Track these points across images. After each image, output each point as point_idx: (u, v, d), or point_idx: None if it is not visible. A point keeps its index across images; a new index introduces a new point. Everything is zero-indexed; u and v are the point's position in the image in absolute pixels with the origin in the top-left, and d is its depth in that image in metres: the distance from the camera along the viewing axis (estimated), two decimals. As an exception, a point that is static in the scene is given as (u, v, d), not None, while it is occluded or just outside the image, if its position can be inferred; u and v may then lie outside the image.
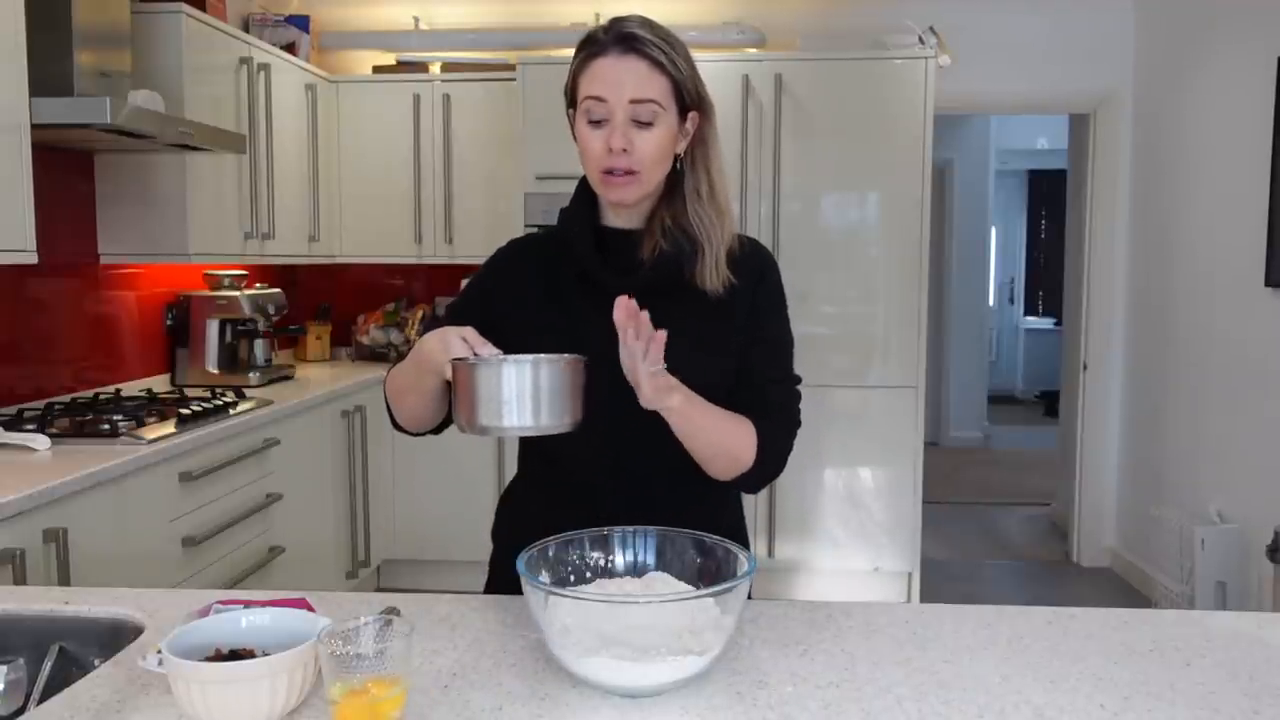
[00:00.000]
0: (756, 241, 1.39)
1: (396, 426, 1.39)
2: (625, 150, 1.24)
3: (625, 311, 1.10)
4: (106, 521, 2.14)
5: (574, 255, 1.32)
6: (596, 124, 1.25)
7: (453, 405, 1.16)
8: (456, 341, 1.16)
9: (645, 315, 1.10)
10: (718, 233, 1.30)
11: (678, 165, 1.31)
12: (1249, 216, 3.26)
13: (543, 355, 1.14)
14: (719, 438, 1.26)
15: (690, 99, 1.28)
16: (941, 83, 3.61)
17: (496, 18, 4.27)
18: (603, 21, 1.29)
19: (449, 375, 1.16)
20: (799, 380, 1.37)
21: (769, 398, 1.32)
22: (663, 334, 1.11)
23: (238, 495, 2.71)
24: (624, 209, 1.32)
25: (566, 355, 1.15)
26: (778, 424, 1.31)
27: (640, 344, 1.10)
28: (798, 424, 1.35)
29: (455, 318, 1.38)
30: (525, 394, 1.10)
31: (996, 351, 9.01)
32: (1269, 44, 3.16)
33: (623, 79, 1.23)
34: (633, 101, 1.23)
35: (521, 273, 1.38)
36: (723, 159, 1.34)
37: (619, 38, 1.24)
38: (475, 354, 1.14)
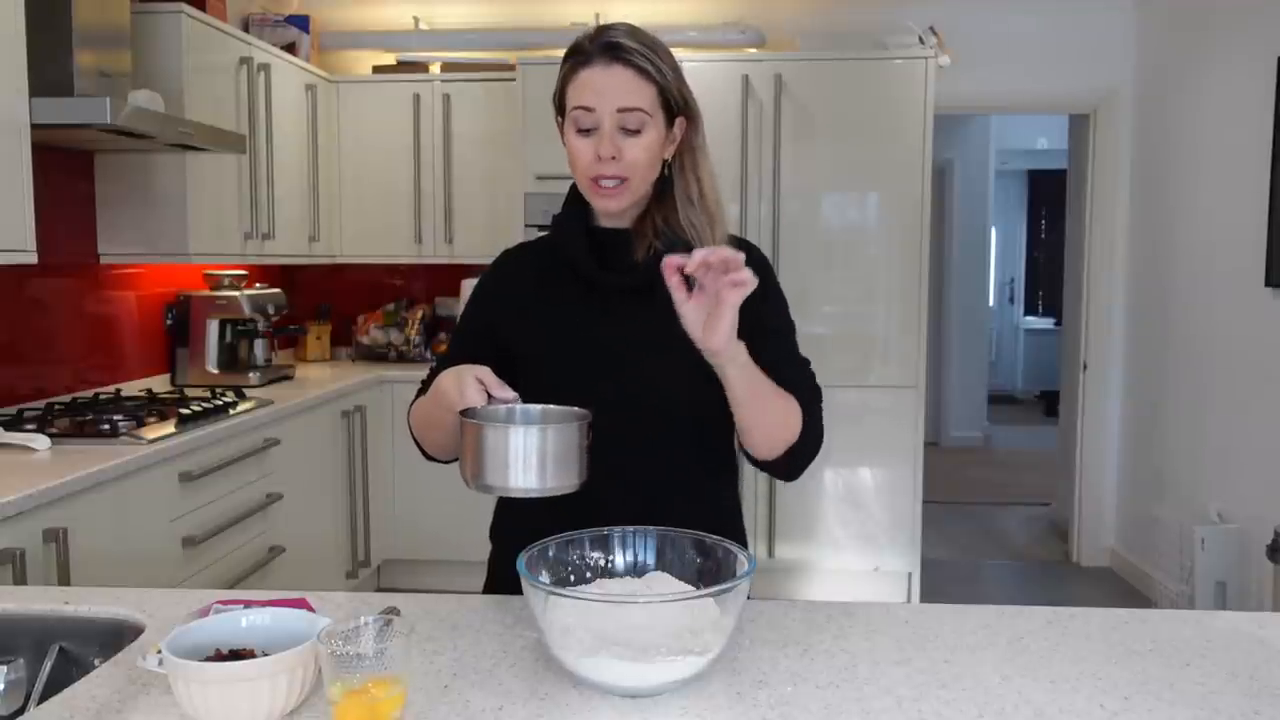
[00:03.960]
0: (747, 241, 1.40)
1: (426, 455, 1.39)
2: (614, 158, 1.25)
3: (698, 261, 1.08)
4: (106, 521, 2.14)
5: (568, 258, 1.33)
6: (585, 133, 1.27)
7: (459, 459, 1.14)
8: (471, 385, 1.15)
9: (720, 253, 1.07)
10: (709, 236, 1.30)
11: (666, 171, 1.32)
12: (1249, 216, 3.26)
13: (552, 408, 1.16)
14: (775, 402, 1.24)
15: (676, 104, 1.29)
16: (941, 83, 3.61)
17: (496, 18, 4.27)
18: (598, 24, 1.30)
19: None
20: (809, 362, 1.37)
21: (795, 385, 1.32)
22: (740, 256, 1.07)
23: (238, 495, 2.71)
24: (614, 214, 1.32)
25: (575, 410, 1.15)
26: (809, 407, 1.32)
27: (717, 274, 1.08)
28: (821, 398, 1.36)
29: (463, 333, 1.41)
30: (532, 457, 1.09)
31: (996, 351, 9.01)
32: (1269, 44, 3.16)
33: (609, 88, 1.25)
34: (620, 110, 1.25)
35: (522, 280, 1.39)
36: (712, 163, 1.34)
37: (604, 47, 1.26)
38: (490, 395, 1.14)
